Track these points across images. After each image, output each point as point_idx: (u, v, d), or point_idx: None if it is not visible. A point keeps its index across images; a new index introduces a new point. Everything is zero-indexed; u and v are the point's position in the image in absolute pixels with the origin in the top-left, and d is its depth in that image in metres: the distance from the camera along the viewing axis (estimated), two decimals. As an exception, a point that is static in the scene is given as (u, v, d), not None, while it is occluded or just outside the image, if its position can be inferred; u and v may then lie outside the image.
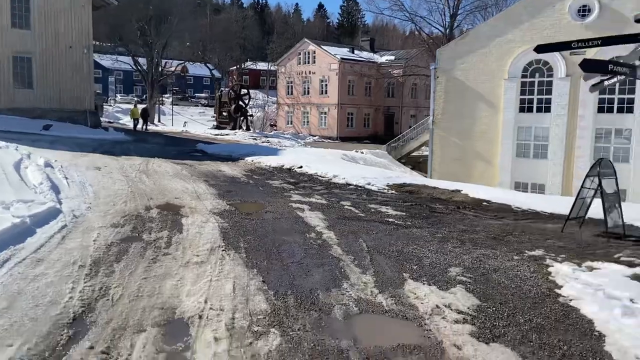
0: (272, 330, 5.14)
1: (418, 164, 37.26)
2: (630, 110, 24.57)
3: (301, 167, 18.35)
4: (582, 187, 10.22)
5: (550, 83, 26.80)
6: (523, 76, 27.30)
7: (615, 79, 7.85)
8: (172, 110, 63.37)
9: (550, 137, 26.68)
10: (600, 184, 9.68)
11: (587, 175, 10.08)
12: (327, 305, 5.83)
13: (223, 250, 7.80)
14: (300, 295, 6.11)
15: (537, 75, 27.09)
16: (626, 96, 24.62)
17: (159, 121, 57.81)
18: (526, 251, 8.43)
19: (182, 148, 25.12)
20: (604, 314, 5.57)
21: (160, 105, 63.57)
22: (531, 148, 27.50)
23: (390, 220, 10.57)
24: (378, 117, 61.84)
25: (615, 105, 25.04)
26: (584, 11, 25.71)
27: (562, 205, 12.12)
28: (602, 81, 8.18)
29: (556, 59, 26.01)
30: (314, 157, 22.66)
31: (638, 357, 4.60)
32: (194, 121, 62.11)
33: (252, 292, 6.13)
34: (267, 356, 4.65)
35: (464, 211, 11.99)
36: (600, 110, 25.50)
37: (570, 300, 6.12)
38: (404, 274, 6.95)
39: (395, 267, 7.23)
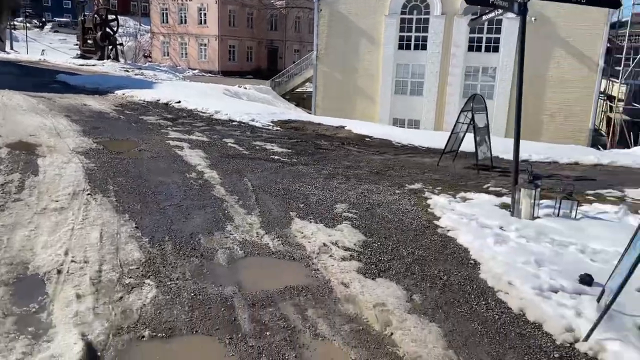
0: (147, 282, 4.64)
1: (302, 100, 37.04)
2: (496, 49, 26.17)
3: (179, 102, 17.13)
4: (457, 122, 10.68)
5: (427, 21, 27.47)
6: (402, 13, 27.67)
7: (493, 14, 7.96)
8: (27, 36, 55.75)
9: (426, 74, 27.73)
10: (472, 119, 10.14)
11: (462, 110, 10.52)
12: (209, 250, 5.42)
13: (88, 194, 6.92)
14: (179, 241, 5.62)
15: (415, 12, 27.59)
16: (493, 35, 26.11)
17: (12, 48, 50.67)
18: (406, 185, 8.63)
19: (39, 79, 22.16)
20: (477, 242, 5.83)
21: (12, 31, 55.55)
22: (408, 85, 28.44)
23: (276, 157, 10.23)
24: (261, 51, 59.93)
25: (483, 45, 26.50)
26: (460, -50, 26.32)
27: (437, 140, 12.66)
28: (481, 15, 8.27)
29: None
30: (194, 91, 21.31)
31: (510, 282, 4.86)
32: (53, 49, 55.30)
33: (123, 240, 5.50)
34: (140, 311, 4.17)
35: (348, 147, 12.02)
36: (470, 49, 26.86)
37: (448, 230, 6.34)
38: (291, 212, 6.72)
39: (281, 206, 6.96)
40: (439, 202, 7.54)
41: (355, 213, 6.83)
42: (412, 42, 27.98)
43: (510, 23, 25.17)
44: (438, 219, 6.79)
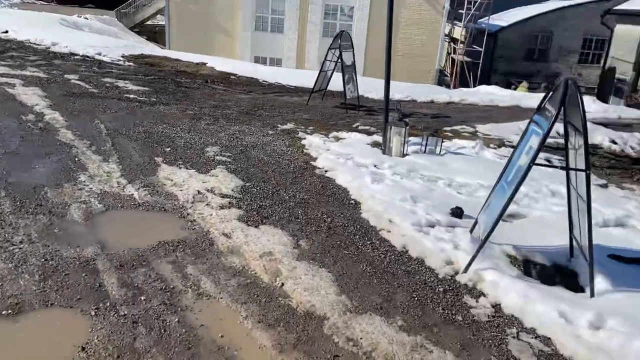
0: (-19, 250, 3.76)
1: (154, 35, 33.94)
2: (353, -12, 26.22)
3: (6, 32, 14.45)
4: (325, 59, 10.44)
5: None
6: (261, -56, 26.24)
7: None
8: None
9: (286, 11, 26.98)
10: (340, 56, 9.98)
11: (330, 48, 10.28)
12: (60, 206, 4.58)
13: None
14: (20, 196, 4.66)
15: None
16: (352, -25, 26.02)
17: None
18: (279, 125, 8.28)
19: None
20: (356, 182, 5.76)
21: None
22: (269, 22, 27.51)
23: (132, 96, 9.11)
24: (102, -23, 53.23)
25: (342, -17, 26.36)
26: None
27: (304, 78, 12.41)
28: None
29: None
30: (24, 20, 18.16)
31: (391, 220, 4.87)
32: None
33: (-58, 200, 4.40)
34: (-25, 288, 3.35)
35: (213, 85, 11.20)
36: (329, -14, 26.57)
37: (326, 171, 6.19)
38: (156, 158, 5.99)
39: (144, 151, 6.18)
40: (313, 142, 7.34)
41: (229, 156, 6.34)
42: (272, -23, 26.81)
43: (366, -38, 25.31)
44: (315, 159, 6.59)
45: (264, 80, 12.24)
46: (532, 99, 12.19)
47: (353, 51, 10.48)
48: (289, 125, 8.33)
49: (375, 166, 6.38)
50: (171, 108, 8.63)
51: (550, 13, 32.45)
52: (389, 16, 7.10)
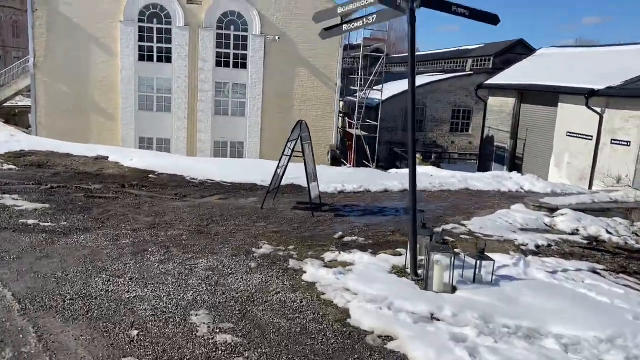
0: None
1: (14, 117, 29.06)
2: (244, 66, 24.98)
3: None
4: (283, 154, 8.56)
5: (169, 31, 24.49)
6: (141, 20, 23.96)
7: (360, 23, 6.16)
8: None
9: (174, 89, 24.71)
10: (303, 150, 8.23)
11: (289, 140, 8.48)
12: None
13: None
14: None
15: (155, 21, 24.29)
16: (240, 52, 24.82)
17: None
18: (253, 249, 6.13)
19: None
20: None
21: None
22: (154, 100, 24.93)
23: (32, 222, 6.30)
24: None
25: (231, 60, 25.00)
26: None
27: (236, 170, 10.40)
28: (340, 25, 6.34)
29: (175, 6, 23.86)
30: None
31: None
32: None
33: None
34: None
35: (133, 191, 8.61)
36: (219, 64, 25.02)
37: (383, 340, 4.16)
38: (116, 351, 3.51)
39: (95, 347, 3.65)
40: (319, 277, 5.34)
41: (234, 331, 4.05)
42: (155, 54, 24.60)
43: (255, 41, 24.37)
44: (346, 312, 4.58)
45: (191, 178, 9.90)
46: (475, 180, 11.52)
47: (311, 142, 8.79)
48: (265, 248, 6.22)
49: (432, 316, 4.57)
50: (95, 237, 6.02)
51: (421, 87, 34.44)
52: (411, 93, 5.62)
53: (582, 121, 18.37)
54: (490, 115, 25.60)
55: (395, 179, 11.09)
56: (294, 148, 8.27)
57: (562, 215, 7.70)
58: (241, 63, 24.90)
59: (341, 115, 27.31)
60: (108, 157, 10.93)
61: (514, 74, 24.83)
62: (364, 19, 5.24)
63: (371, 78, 25.22)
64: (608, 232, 7.12)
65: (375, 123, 25.49)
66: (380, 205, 8.82)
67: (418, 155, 27.23)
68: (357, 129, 25.10)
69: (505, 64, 34.94)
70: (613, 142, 17.17)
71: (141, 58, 24.24)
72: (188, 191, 8.95)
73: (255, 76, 24.72)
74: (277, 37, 24.26)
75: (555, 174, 20.66)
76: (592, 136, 18.10)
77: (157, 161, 10.93)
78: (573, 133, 19.62)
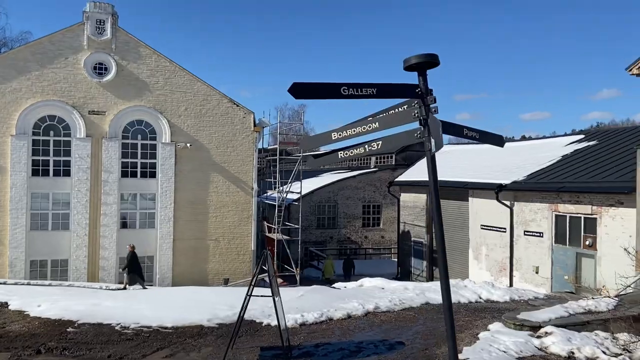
0: None
1: None
2: (153, 175, 23.40)
3: None
4: (247, 295, 7.26)
5: (68, 143, 22.45)
6: (35, 133, 21.77)
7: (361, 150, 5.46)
8: None
9: (73, 204, 22.18)
10: (271, 285, 7.07)
11: (253, 276, 7.25)
12: None
13: None
14: None
15: (52, 133, 22.24)
16: (148, 160, 23.35)
17: None
18: None
19: None
20: None
21: None
22: (49, 218, 22.11)
23: None
24: None
25: (139, 170, 23.32)
26: (100, 69, 23.05)
27: (170, 304, 8.82)
28: (334, 151, 5.60)
29: (74, 117, 22.13)
30: None
31: None
32: None
33: None
34: None
35: (50, 358, 6.69)
36: (125, 174, 23.18)
37: None
38: None
39: None
40: None
41: None
42: (52, 168, 22.30)
43: (165, 149, 23.16)
44: None
45: (122, 327, 8.10)
46: (432, 292, 10.99)
47: (275, 276, 7.67)
48: None
49: None
50: None
51: (332, 185, 34.92)
52: (435, 208, 4.83)
53: (495, 214, 19.22)
54: (404, 211, 26.20)
55: (353, 298, 10.18)
56: (270, 283, 7.11)
57: (549, 334, 7.26)
58: (150, 172, 23.31)
59: (260, 218, 26.27)
60: (8, 304, 8.78)
61: (423, 170, 25.93)
62: (366, 145, 4.56)
63: (289, 180, 24.87)
64: (604, 353, 6.73)
65: (297, 226, 24.77)
66: (355, 341, 7.79)
67: (329, 259, 26.79)
68: (277, 232, 24.13)
69: (405, 160, 36.98)
70: (526, 233, 18.03)
71: (35, 172, 21.75)
72: (123, 349, 7.20)
73: (166, 185, 23.18)
74: (188, 144, 23.31)
75: (475, 266, 21.12)
76: (505, 228, 18.92)
77: (72, 305, 8.98)
78: (487, 226, 20.39)
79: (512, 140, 31.42)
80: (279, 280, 20.48)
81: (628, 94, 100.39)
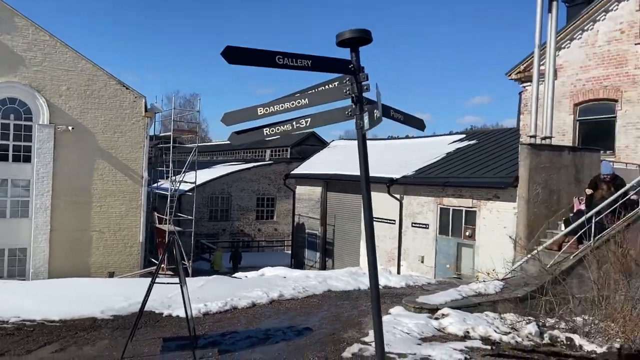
0: None
1: None
2: (27, 159, 21.03)
3: None
4: (150, 287, 6.75)
5: (30, 128, 20.02)
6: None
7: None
8: None
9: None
10: (179, 276, 6.66)
11: (160, 261, 6.75)
12: None
13: None
14: None
15: (12, 117, 19.64)
16: (22, 143, 20.93)
17: None
18: None
19: None
20: None
21: None
22: (8, 205, 19.84)
23: None
24: None
25: (11, 153, 20.81)
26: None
27: (55, 296, 8.01)
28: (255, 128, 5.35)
29: (38, 103, 20.02)
30: None
31: None
32: None
33: None
34: None
35: None
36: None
37: None
38: None
39: None
40: None
41: None
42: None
43: (43, 131, 20.90)
44: None
45: (1, 321, 7.11)
46: (333, 280, 11.21)
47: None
48: None
49: None
50: None
51: (225, 177, 34.14)
52: (365, 189, 4.86)
53: (386, 207, 20.15)
54: (300, 203, 26.47)
55: (256, 287, 10.02)
56: (178, 266, 6.65)
57: (446, 316, 7.77)
58: (24, 156, 20.91)
59: (149, 209, 24.81)
60: None
61: (318, 163, 26.38)
62: (294, 122, 4.45)
63: (183, 170, 23.80)
64: (495, 332, 7.34)
65: (190, 217, 23.82)
66: (262, 328, 7.67)
67: (219, 251, 26.37)
68: (169, 223, 22.99)
69: (300, 154, 37.41)
70: (414, 225, 19.20)
71: None
72: (3, 345, 6.35)
73: (43, 170, 20.94)
74: (70, 127, 21.25)
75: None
76: (395, 220, 19.98)
77: None
78: (378, 218, 21.29)
79: (396, 138, 33.31)
80: (170, 273, 19.55)
81: (497, 102, 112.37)
